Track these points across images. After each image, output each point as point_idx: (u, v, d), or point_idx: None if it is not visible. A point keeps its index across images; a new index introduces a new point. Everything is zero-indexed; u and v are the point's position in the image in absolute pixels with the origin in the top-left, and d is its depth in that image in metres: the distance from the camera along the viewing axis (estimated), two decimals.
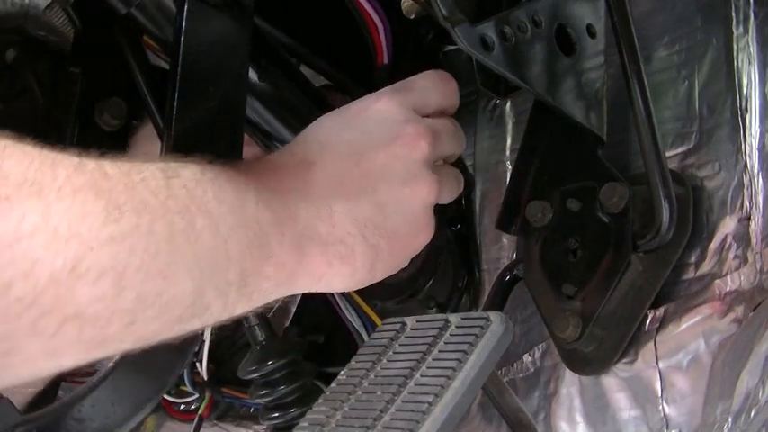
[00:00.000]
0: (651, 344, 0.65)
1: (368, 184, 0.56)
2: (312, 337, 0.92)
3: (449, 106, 0.64)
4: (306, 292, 0.56)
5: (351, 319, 0.78)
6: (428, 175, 0.58)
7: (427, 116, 0.61)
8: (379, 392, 0.54)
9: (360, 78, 0.80)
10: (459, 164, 0.83)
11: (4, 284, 0.35)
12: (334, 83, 0.84)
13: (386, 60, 0.75)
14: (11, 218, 0.36)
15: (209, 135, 0.59)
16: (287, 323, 0.97)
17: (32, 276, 0.36)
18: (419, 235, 0.59)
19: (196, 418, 0.96)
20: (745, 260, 0.63)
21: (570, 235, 0.69)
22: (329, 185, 0.55)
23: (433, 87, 0.63)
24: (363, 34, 0.73)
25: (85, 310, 0.39)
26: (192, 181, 0.47)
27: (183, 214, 0.44)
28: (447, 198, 0.62)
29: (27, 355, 0.38)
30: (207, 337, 0.92)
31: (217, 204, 0.47)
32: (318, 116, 0.62)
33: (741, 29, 0.66)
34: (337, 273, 0.55)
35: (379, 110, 0.59)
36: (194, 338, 0.79)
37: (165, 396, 0.96)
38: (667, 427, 0.63)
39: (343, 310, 0.78)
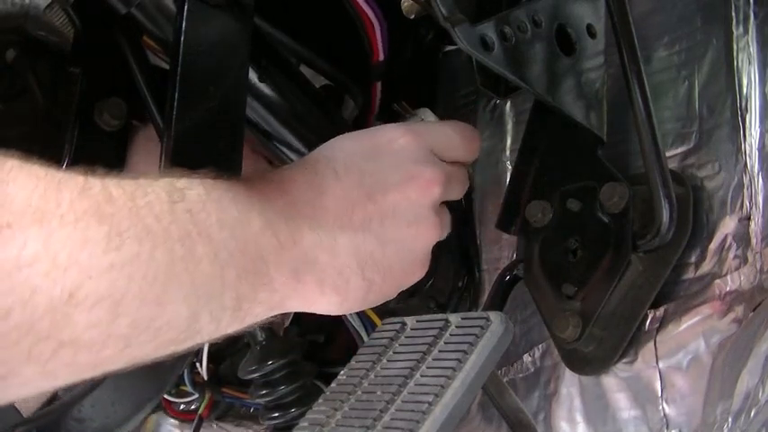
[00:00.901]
0: (651, 344, 0.65)
1: (376, 220, 0.56)
2: (312, 337, 0.91)
3: (466, 160, 0.64)
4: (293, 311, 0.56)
5: (351, 319, 0.77)
6: (433, 218, 0.59)
7: (443, 160, 0.61)
8: (379, 392, 0.54)
9: (360, 77, 0.80)
10: None
11: (3, 312, 0.36)
12: (335, 83, 0.84)
13: (381, 57, 0.75)
14: (12, 246, 0.36)
15: (209, 135, 0.59)
16: (287, 323, 0.97)
17: (30, 305, 0.37)
18: (415, 273, 0.60)
19: (196, 419, 0.96)
20: (745, 260, 0.63)
21: (570, 235, 0.69)
22: (338, 215, 0.55)
23: (458, 140, 0.63)
24: (361, 33, 0.74)
25: (81, 335, 0.39)
26: (198, 204, 0.47)
27: (183, 241, 0.45)
28: (442, 237, 0.62)
29: (23, 379, 0.38)
30: None
31: (219, 229, 0.47)
32: (319, 116, 0.61)
33: (741, 29, 0.66)
34: (328, 301, 0.55)
35: (402, 147, 0.59)
36: None
37: (165, 396, 0.96)
38: (667, 427, 0.63)
39: None
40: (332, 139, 0.60)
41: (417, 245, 0.59)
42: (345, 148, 0.59)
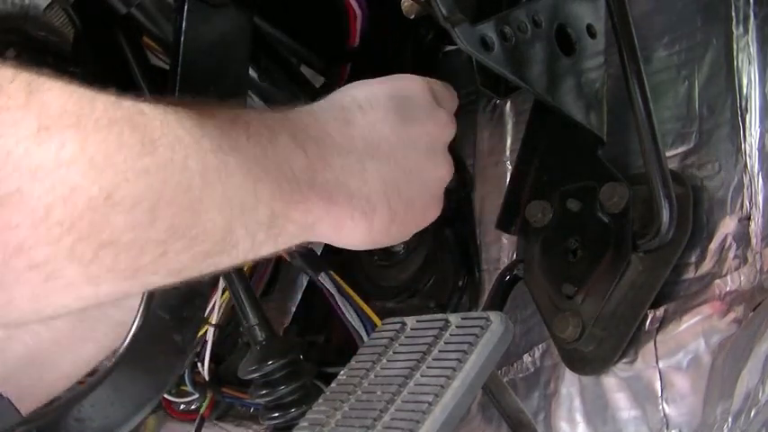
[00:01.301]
0: (651, 344, 0.65)
1: (400, 152, 0.59)
2: (312, 337, 0.91)
3: (453, 109, 0.68)
4: (322, 242, 0.57)
5: (351, 319, 0.77)
6: (447, 156, 0.63)
7: None
8: (379, 392, 0.54)
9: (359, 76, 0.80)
10: (459, 164, 0.83)
11: (45, 208, 0.37)
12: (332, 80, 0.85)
13: (356, 42, 0.78)
14: (50, 146, 0.38)
15: None
16: (287, 323, 0.97)
17: (71, 202, 0.38)
18: (431, 209, 0.63)
19: (198, 419, 0.96)
20: (745, 260, 0.62)
21: (570, 235, 0.69)
22: (365, 144, 0.57)
23: (446, 90, 0.67)
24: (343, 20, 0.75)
25: (120, 237, 0.40)
26: (228, 122, 0.48)
27: (215, 153, 0.46)
28: (450, 177, 0.65)
29: (68, 280, 0.39)
30: (210, 337, 0.92)
31: (251, 146, 0.49)
32: None
33: (741, 29, 0.66)
34: (355, 228, 0.56)
35: (420, 89, 0.63)
36: (195, 338, 0.79)
37: (166, 396, 0.96)
38: (667, 427, 0.63)
39: (343, 310, 0.78)
40: (352, 83, 0.62)
41: (435, 178, 0.62)
42: (367, 88, 0.61)
